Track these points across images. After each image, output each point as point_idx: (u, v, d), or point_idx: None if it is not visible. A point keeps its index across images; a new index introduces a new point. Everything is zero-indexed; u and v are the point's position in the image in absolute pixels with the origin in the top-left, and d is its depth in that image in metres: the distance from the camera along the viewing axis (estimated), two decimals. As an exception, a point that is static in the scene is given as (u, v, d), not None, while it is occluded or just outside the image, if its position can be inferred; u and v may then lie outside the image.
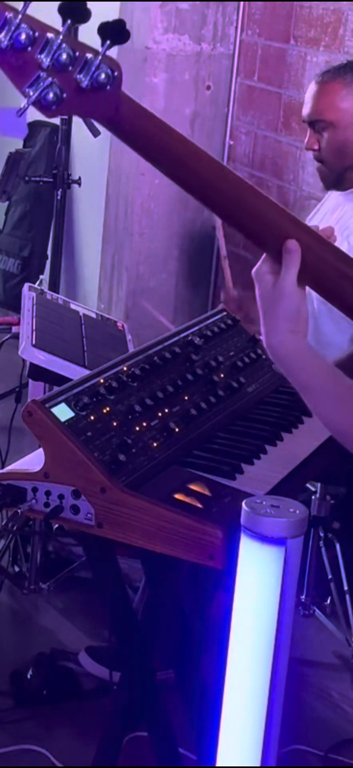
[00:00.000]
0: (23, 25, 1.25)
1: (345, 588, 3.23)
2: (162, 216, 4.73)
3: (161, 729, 2.31)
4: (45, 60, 1.27)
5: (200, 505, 1.82)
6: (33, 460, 1.92)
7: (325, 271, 1.48)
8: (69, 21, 1.27)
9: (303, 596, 3.35)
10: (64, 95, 1.29)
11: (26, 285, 3.12)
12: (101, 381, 2.07)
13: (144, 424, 2.02)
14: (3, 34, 1.25)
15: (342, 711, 3.00)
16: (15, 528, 1.95)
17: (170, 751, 2.32)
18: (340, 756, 2.76)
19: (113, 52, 1.31)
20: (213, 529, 1.75)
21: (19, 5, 1.26)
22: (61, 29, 1.28)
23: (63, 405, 1.93)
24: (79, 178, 4.03)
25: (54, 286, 3.96)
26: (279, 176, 4.37)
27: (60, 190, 3.95)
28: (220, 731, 1.40)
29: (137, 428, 2.00)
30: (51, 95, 1.28)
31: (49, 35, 1.27)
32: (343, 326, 2.88)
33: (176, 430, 2.06)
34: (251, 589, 1.36)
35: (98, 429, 1.93)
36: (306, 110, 3.03)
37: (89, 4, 1.30)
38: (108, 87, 1.31)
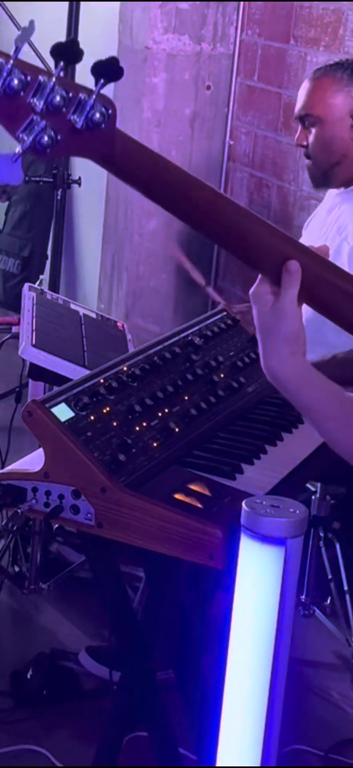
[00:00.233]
0: (15, 71, 1.22)
1: (345, 588, 3.22)
2: (162, 216, 4.72)
3: (161, 729, 2.31)
4: (38, 103, 1.24)
5: (200, 505, 1.82)
6: (33, 460, 1.92)
7: (324, 289, 1.47)
8: (62, 63, 1.25)
9: (303, 596, 3.35)
10: (59, 137, 1.26)
11: (26, 285, 3.12)
12: (101, 381, 2.07)
13: (144, 424, 2.02)
14: None
15: (342, 711, 3.00)
16: (15, 528, 1.95)
17: (170, 751, 2.32)
18: (340, 756, 2.76)
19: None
20: (213, 529, 1.75)
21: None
22: (53, 70, 1.25)
23: (63, 405, 1.93)
24: (79, 178, 4.02)
25: (54, 286, 3.97)
26: (279, 176, 4.36)
27: (60, 190, 3.95)
28: (220, 731, 1.40)
29: (137, 428, 2.00)
30: (46, 138, 1.25)
31: (42, 78, 1.24)
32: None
33: (176, 430, 2.06)
34: (251, 589, 1.37)
35: (98, 429, 1.93)
36: (297, 106, 3.03)
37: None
38: (103, 126, 1.29)
